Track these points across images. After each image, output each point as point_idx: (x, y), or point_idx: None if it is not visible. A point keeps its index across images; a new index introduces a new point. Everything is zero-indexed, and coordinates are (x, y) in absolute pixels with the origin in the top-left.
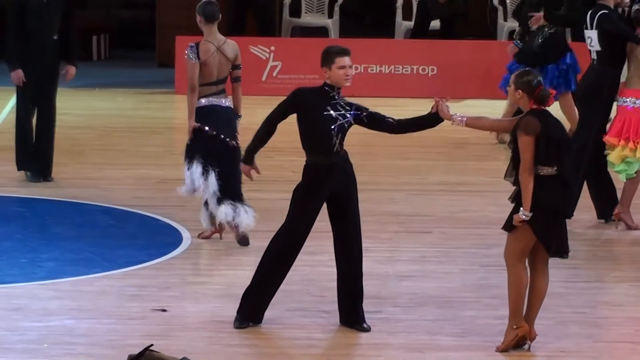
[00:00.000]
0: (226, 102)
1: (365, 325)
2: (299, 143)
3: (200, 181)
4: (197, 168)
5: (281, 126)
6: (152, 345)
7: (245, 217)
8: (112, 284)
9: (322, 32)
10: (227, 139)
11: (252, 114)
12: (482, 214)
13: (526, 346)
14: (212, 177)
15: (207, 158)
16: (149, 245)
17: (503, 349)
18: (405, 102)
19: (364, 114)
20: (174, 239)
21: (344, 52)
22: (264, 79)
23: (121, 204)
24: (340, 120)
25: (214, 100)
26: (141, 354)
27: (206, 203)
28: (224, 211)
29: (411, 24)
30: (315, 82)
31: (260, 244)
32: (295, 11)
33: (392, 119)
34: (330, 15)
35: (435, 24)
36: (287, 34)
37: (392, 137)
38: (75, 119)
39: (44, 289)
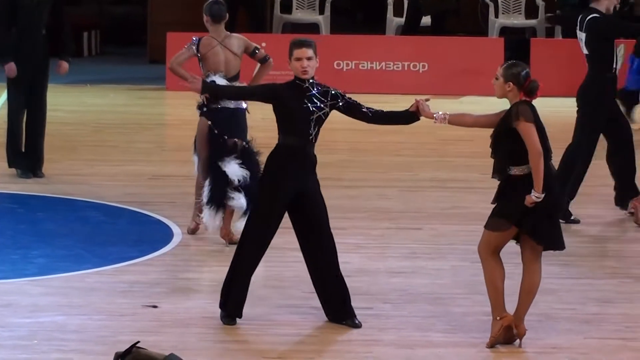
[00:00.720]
0: (236, 103)
1: (357, 321)
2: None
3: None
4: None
5: (271, 123)
6: (138, 342)
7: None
8: (103, 280)
9: (313, 28)
10: (236, 140)
11: None
12: (473, 210)
13: (516, 342)
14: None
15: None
16: (140, 241)
17: (491, 343)
18: (397, 98)
19: (340, 103)
20: (165, 235)
21: (301, 44)
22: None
23: (112, 201)
24: (317, 112)
25: (223, 102)
26: (128, 351)
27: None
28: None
29: (402, 20)
30: None
31: None
32: (287, 7)
33: (370, 109)
34: (322, 12)
35: (427, 20)
36: (279, 30)
37: (383, 133)
38: (66, 115)
39: (34, 285)
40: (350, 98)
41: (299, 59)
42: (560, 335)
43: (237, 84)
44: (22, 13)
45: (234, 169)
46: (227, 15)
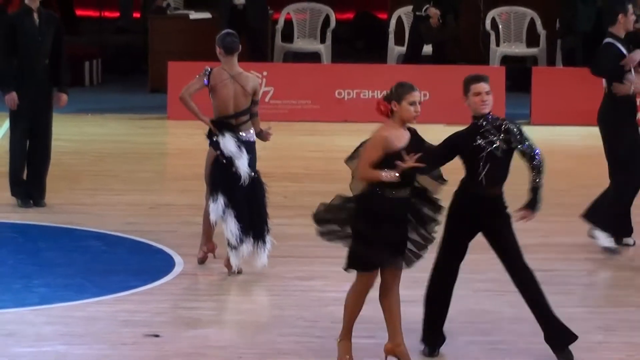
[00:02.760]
0: (246, 135)
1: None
2: (290, 169)
3: (220, 216)
4: (218, 205)
5: (272, 152)
6: None
7: (259, 260)
8: (104, 310)
9: (314, 57)
10: (247, 172)
11: None
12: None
13: None
14: (231, 219)
15: (230, 193)
16: (141, 270)
17: None
18: None
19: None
20: (166, 264)
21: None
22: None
23: (113, 230)
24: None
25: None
26: None
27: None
28: (245, 251)
29: (403, 49)
30: (308, 107)
31: (249, 269)
32: (288, 36)
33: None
34: (323, 41)
35: (428, 49)
36: (280, 59)
37: None
38: (67, 145)
39: (36, 314)
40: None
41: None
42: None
43: (245, 118)
44: (24, 41)
45: (243, 165)
46: (240, 47)
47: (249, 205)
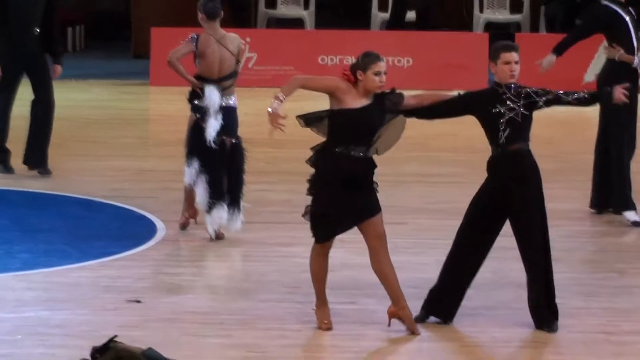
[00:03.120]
0: (229, 100)
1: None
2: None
3: (193, 181)
4: (192, 170)
5: (255, 118)
6: (116, 336)
7: (234, 225)
8: (86, 275)
9: (297, 23)
10: (224, 137)
11: None
12: (457, 205)
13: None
14: (202, 185)
15: (205, 158)
16: (123, 236)
17: None
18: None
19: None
20: (149, 230)
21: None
22: (239, 70)
23: (97, 196)
24: (509, 114)
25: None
26: (105, 345)
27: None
28: (216, 217)
29: (387, 15)
30: (291, 73)
31: (230, 235)
32: (271, 3)
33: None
34: (306, 7)
35: (411, 15)
36: (263, 26)
37: None
38: None
39: (18, 280)
40: (553, 95)
41: (507, 63)
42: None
43: (228, 83)
44: (14, 10)
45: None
46: (222, 12)
47: (228, 171)
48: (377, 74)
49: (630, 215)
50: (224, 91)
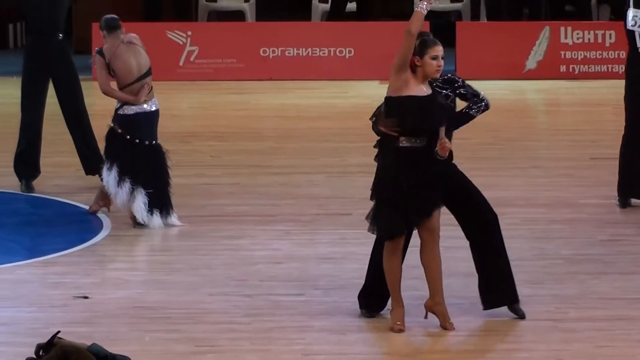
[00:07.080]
0: (151, 105)
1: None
2: (216, 128)
3: (113, 190)
4: (112, 175)
5: (199, 111)
6: (59, 332)
7: (173, 223)
8: (33, 272)
9: (238, 16)
10: (146, 142)
11: (169, 100)
12: None
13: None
14: (141, 198)
15: (124, 166)
16: (69, 232)
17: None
18: (323, 84)
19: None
20: (94, 226)
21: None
22: (181, 64)
23: (40, 192)
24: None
25: (137, 109)
26: (49, 342)
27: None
28: (156, 222)
29: (327, 6)
30: (233, 66)
31: (176, 230)
32: None
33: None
34: None
35: (352, 6)
36: (204, 19)
37: (311, 119)
38: None
39: None
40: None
41: (435, 58)
42: (491, 318)
43: (149, 79)
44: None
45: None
46: (120, 23)
47: (153, 175)
48: (435, 58)
49: None
50: (148, 95)
